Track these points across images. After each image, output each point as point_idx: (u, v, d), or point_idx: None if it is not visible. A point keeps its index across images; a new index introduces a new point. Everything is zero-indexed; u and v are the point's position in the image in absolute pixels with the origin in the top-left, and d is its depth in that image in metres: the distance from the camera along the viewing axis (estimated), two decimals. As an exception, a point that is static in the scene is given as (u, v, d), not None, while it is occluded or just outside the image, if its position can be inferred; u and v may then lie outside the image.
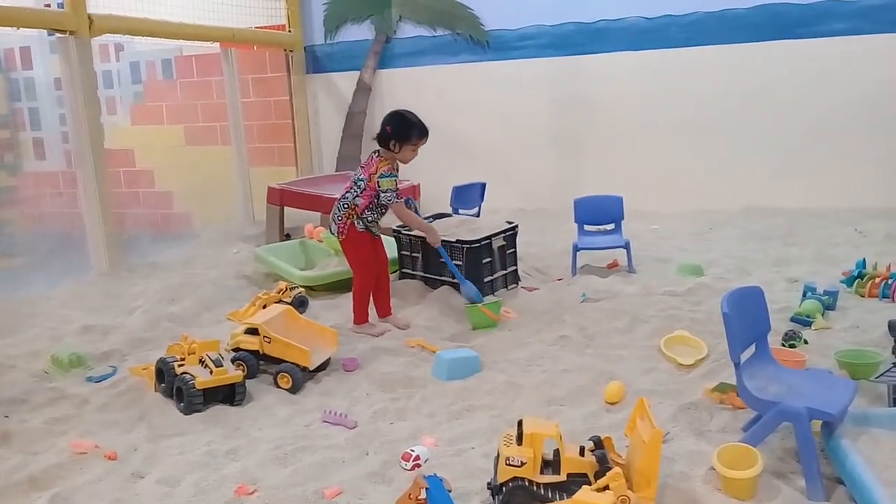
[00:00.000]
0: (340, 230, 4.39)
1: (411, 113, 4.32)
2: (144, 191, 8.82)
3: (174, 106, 8.74)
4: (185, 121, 8.69)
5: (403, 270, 5.14)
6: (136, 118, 8.92)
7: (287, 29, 8.55)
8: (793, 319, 4.12)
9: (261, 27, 8.31)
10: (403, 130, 4.24)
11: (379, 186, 4.25)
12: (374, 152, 4.36)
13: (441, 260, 4.68)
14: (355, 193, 4.33)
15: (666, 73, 7.47)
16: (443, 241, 4.68)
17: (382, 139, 4.28)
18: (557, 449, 2.46)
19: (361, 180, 4.32)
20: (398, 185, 4.30)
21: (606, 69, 7.65)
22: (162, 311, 4.89)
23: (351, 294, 4.49)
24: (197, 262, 6.30)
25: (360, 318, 4.46)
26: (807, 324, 4.06)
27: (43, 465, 2.95)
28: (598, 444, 2.50)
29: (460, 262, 4.74)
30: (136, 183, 8.80)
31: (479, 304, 4.41)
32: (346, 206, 4.35)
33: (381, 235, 4.60)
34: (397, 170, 4.34)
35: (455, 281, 4.73)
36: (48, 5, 8.02)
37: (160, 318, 4.73)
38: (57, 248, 6.62)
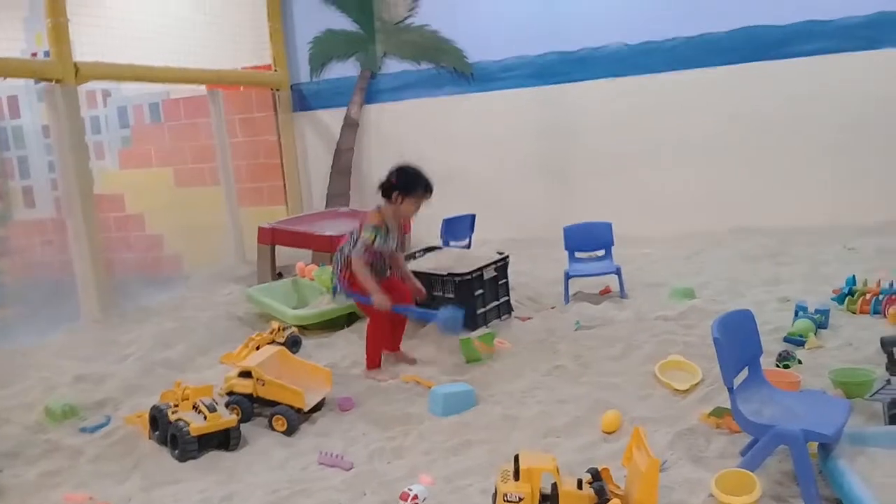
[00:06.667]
0: (342, 280, 4.25)
1: (419, 168, 4.21)
2: (135, 234, 8.82)
3: (162, 149, 8.78)
4: (173, 163, 8.73)
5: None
6: (124, 162, 8.95)
7: (273, 68, 8.62)
8: (786, 339, 4.13)
9: (247, 67, 8.39)
10: (408, 183, 4.15)
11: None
12: (377, 206, 4.24)
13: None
14: (349, 247, 4.21)
15: (649, 98, 7.54)
16: (433, 274, 4.68)
17: (386, 190, 4.17)
18: (555, 483, 2.45)
19: (355, 232, 4.23)
20: (376, 245, 4.11)
21: (590, 96, 7.73)
22: (155, 356, 4.86)
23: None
24: (189, 305, 6.26)
25: (372, 363, 4.32)
26: (800, 343, 4.07)
27: (37, 520, 2.92)
28: (596, 475, 2.49)
29: (451, 296, 4.74)
30: (126, 227, 8.81)
31: (473, 338, 4.39)
32: (342, 258, 4.24)
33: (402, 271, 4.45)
34: (388, 231, 4.18)
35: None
36: (34, 54, 8.08)
37: (154, 365, 4.70)
38: (48, 296, 6.58)
